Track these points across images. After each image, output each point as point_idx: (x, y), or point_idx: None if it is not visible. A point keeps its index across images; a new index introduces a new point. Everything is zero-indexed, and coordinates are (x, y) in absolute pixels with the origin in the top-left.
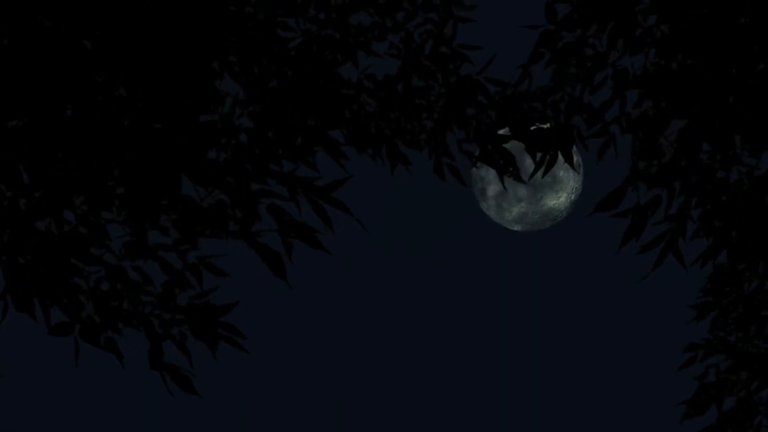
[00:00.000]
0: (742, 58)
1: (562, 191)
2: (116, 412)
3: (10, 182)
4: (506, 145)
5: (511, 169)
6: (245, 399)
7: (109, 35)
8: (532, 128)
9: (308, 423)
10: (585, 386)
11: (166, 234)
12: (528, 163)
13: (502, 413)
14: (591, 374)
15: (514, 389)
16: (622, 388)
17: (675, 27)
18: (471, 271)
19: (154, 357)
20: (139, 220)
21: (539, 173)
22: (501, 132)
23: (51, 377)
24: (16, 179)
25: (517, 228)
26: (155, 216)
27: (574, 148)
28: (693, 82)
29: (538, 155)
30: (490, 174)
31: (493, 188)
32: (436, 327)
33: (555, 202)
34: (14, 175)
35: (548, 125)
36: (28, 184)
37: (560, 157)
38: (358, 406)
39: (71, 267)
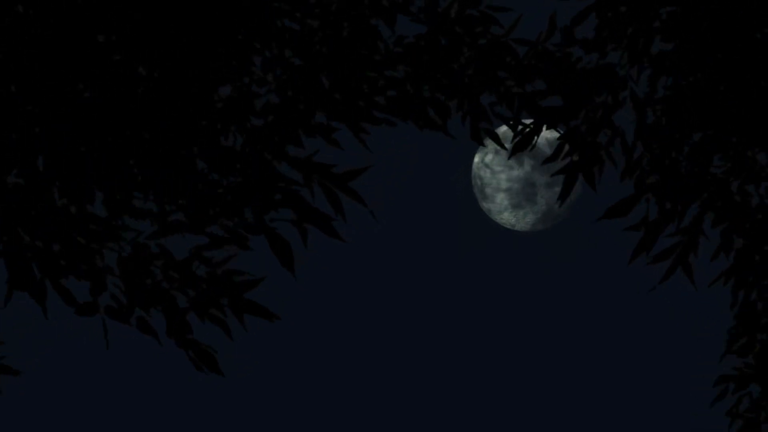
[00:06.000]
0: (757, 71)
1: (556, 192)
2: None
3: (25, 169)
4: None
5: (559, 124)
6: (241, 388)
7: (126, 15)
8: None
9: (305, 420)
10: (585, 387)
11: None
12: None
13: (500, 413)
14: (591, 375)
15: (512, 389)
16: (622, 388)
17: (688, 42)
18: (471, 270)
19: (179, 333)
20: (160, 201)
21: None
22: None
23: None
24: (33, 166)
25: (516, 227)
26: (175, 198)
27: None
28: (708, 96)
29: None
30: (491, 174)
31: (493, 188)
32: (435, 325)
33: (548, 202)
34: (30, 162)
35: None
36: (44, 171)
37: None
38: (355, 404)
39: (91, 248)
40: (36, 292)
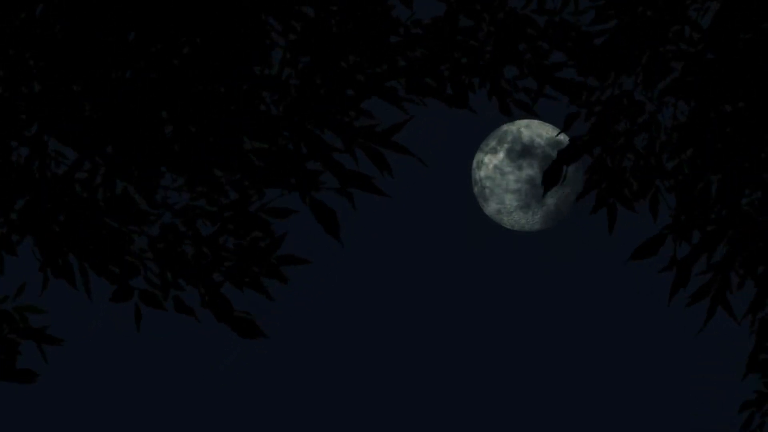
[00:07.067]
0: None
1: (564, 191)
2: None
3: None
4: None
5: (582, 94)
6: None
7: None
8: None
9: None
10: (585, 387)
11: (226, 195)
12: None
13: (500, 413)
14: (591, 375)
15: (513, 389)
16: (622, 388)
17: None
18: (471, 270)
19: (216, 308)
20: (200, 181)
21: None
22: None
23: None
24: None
25: (526, 228)
26: (212, 175)
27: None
28: (731, 128)
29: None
30: (500, 175)
31: (493, 188)
32: (434, 325)
33: (557, 202)
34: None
35: None
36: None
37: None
38: (353, 401)
39: (122, 234)
40: (72, 278)
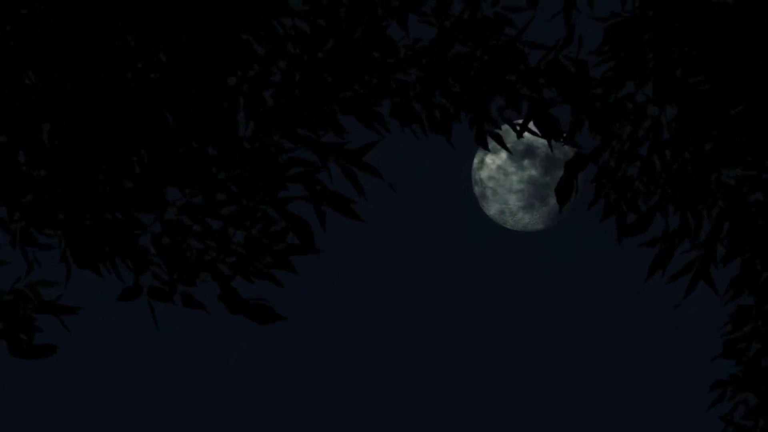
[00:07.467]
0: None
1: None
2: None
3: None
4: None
5: (563, 136)
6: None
7: (130, 11)
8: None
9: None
10: (585, 387)
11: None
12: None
13: (500, 413)
14: (591, 374)
15: (512, 389)
16: (622, 388)
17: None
18: (471, 270)
19: (229, 300)
20: (199, 179)
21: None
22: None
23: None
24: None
25: (517, 228)
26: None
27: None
28: (717, 105)
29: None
30: (504, 175)
31: (496, 188)
32: (434, 325)
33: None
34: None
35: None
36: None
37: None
38: (352, 401)
39: (135, 225)
40: (96, 267)
